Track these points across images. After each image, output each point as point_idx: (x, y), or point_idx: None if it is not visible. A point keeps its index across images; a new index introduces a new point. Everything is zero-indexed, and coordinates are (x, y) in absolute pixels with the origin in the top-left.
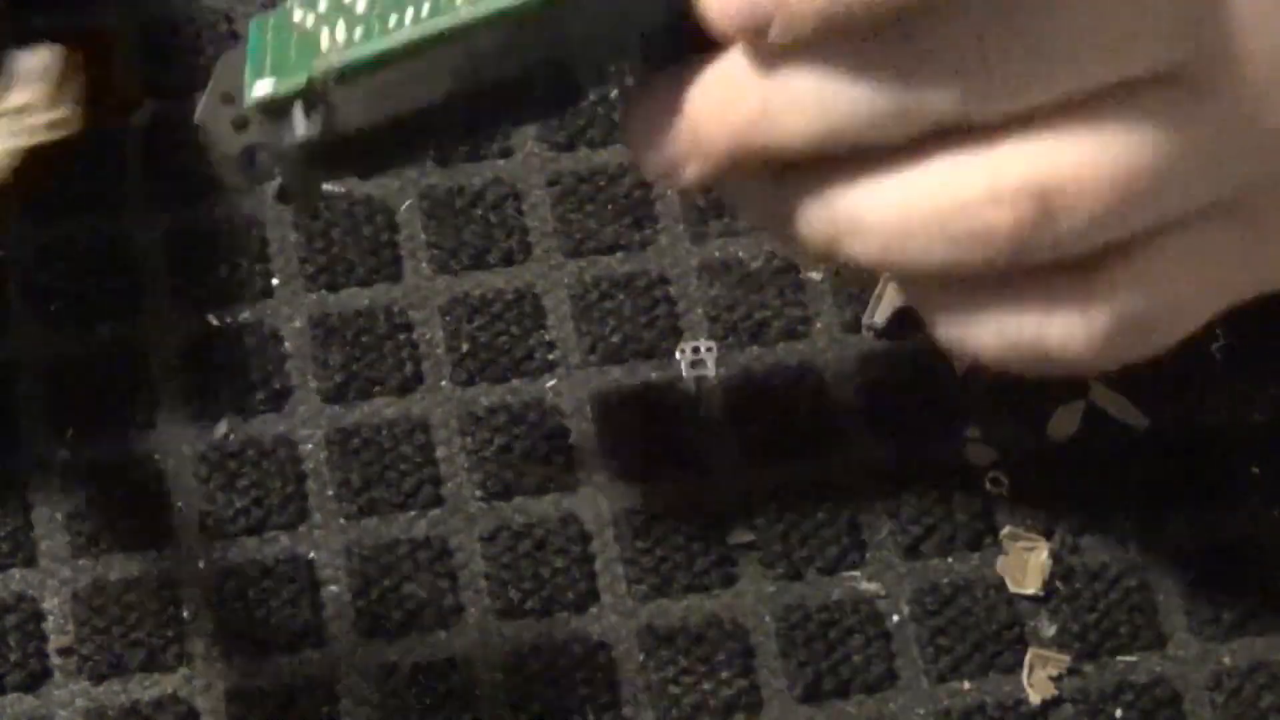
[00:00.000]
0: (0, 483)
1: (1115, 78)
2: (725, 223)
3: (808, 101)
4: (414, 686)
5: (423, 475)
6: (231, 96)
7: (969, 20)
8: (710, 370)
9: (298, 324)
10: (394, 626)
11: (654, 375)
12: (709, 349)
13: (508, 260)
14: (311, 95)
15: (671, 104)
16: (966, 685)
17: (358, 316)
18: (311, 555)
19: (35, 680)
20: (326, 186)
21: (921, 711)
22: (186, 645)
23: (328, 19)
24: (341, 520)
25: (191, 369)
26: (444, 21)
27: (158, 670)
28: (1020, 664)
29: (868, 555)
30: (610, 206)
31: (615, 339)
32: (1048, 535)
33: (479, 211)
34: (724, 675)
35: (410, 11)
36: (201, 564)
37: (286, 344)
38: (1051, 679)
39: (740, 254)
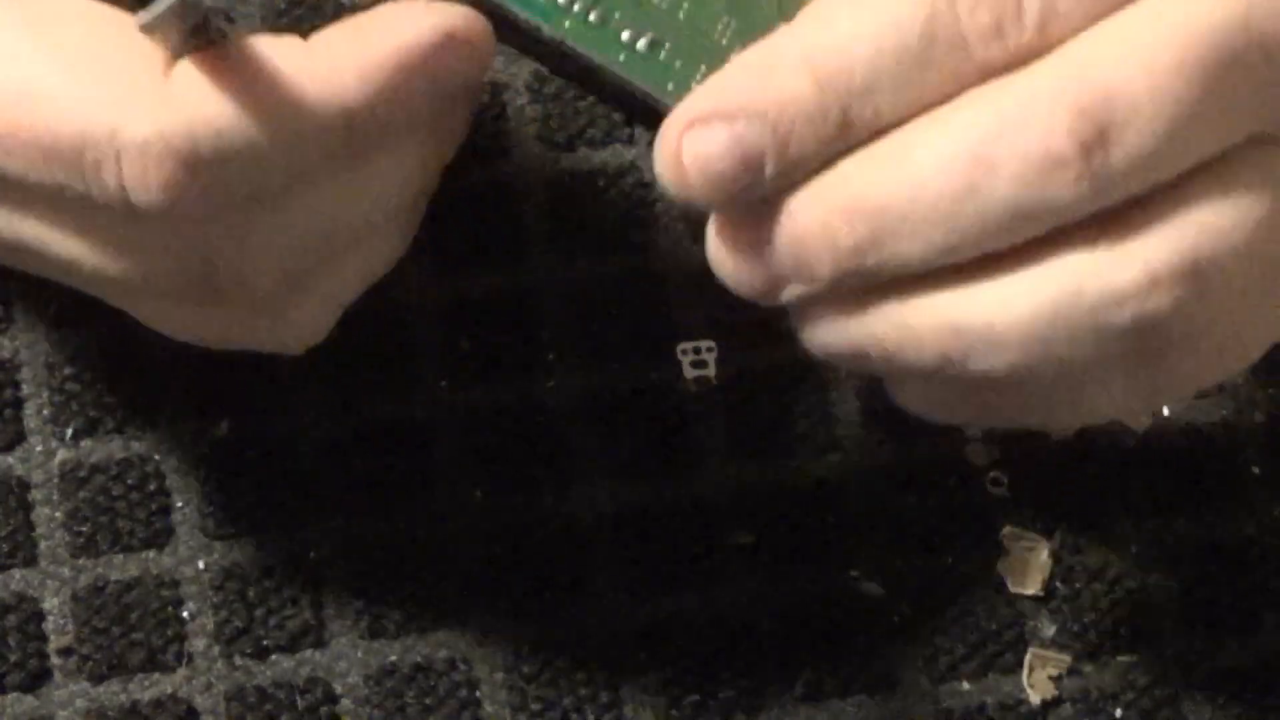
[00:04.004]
0: (1, 482)
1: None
2: None
3: (925, 222)
4: (414, 686)
5: (421, 475)
6: None
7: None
8: (710, 370)
9: None
10: (394, 626)
11: (654, 375)
12: (709, 349)
13: (507, 260)
14: None
15: (770, 224)
16: (966, 685)
17: (357, 317)
18: (312, 555)
19: (35, 680)
20: None
21: (921, 712)
22: (186, 645)
23: None
24: (342, 520)
25: (192, 368)
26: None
27: (158, 670)
28: (1020, 664)
29: (868, 555)
30: (610, 206)
31: (615, 339)
32: (1048, 535)
33: (479, 211)
34: (724, 675)
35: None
36: (201, 564)
37: None
38: (1051, 679)
39: None
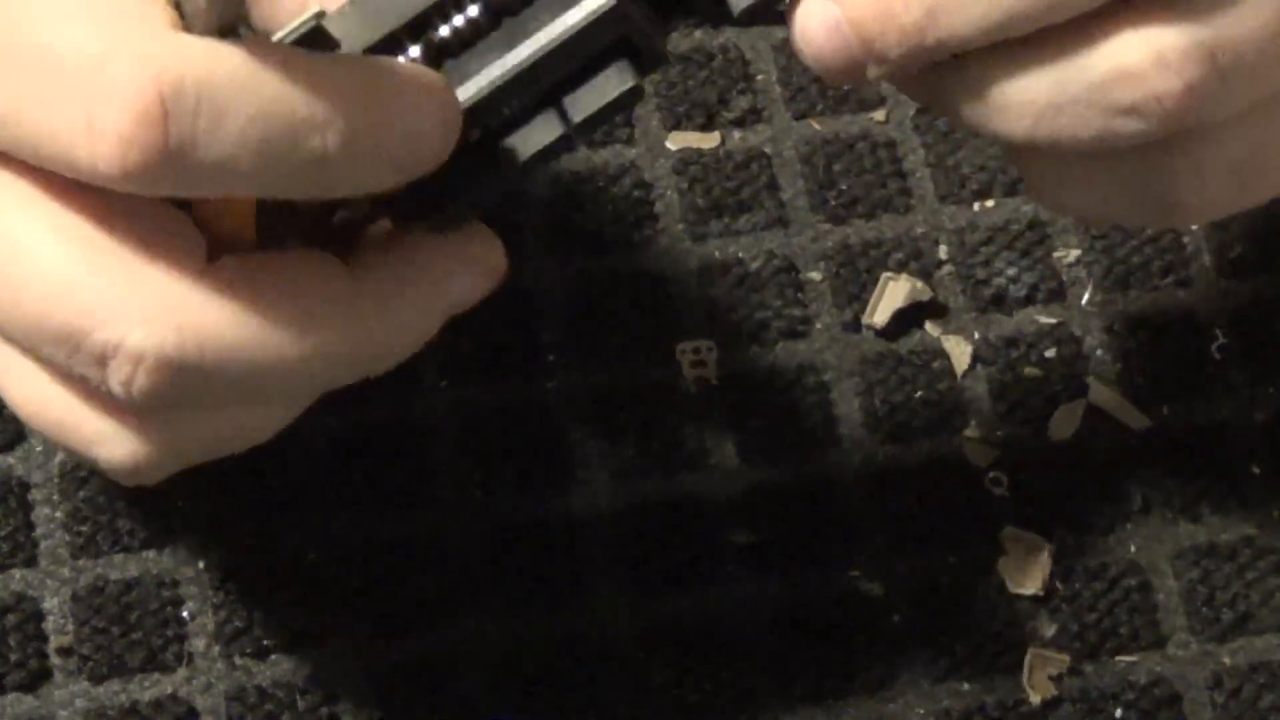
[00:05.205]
0: (1, 482)
1: None
2: (725, 223)
3: None
4: (414, 686)
5: (421, 475)
6: None
7: None
8: (710, 370)
9: None
10: (394, 626)
11: (654, 375)
12: (709, 349)
13: (508, 260)
14: None
15: (839, 15)
16: (966, 685)
17: None
18: (312, 555)
19: (35, 680)
20: None
21: (921, 711)
22: (186, 645)
23: None
24: (342, 520)
25: None
26: None
27: (158, 670)
28: (1020, 664)
29: (868, 555)
30: (610, 206)
31: (615, 339)
32: (1048, 535)
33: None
34: (724, 675)
35: None
36: (201, 564)
37: None
38: (1051, 679)
39: (740, 254)
